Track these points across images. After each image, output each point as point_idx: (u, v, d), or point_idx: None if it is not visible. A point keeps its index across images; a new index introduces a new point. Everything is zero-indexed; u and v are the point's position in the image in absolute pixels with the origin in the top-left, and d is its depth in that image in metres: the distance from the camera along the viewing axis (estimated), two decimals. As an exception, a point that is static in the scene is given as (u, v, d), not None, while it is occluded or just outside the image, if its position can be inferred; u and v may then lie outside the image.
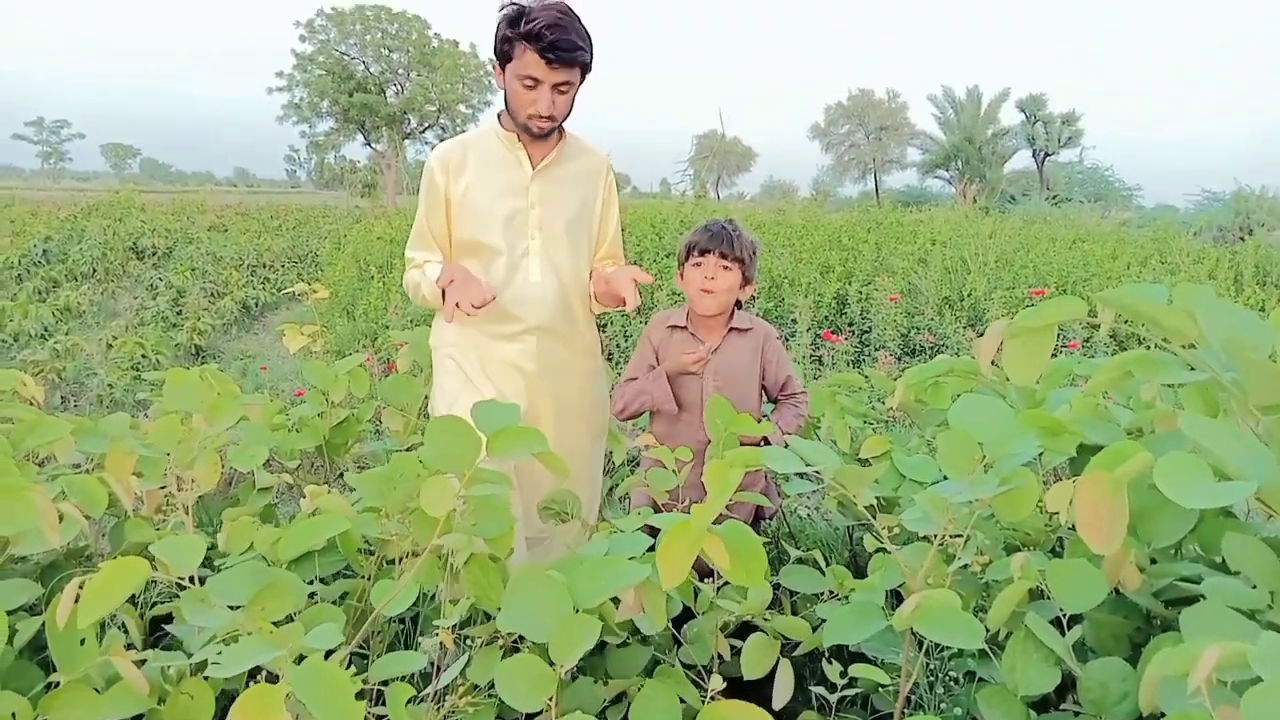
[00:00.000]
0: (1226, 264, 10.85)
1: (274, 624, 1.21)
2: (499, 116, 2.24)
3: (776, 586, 1.69)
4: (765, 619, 1.48)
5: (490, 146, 2.23)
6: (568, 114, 2.17)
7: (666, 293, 8.19)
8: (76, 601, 1.11)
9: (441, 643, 1.36)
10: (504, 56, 2.09)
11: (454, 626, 1.36)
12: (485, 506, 1.43)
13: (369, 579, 1.79)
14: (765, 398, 2.38)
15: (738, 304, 2.32)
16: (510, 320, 2.22)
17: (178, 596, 1.52)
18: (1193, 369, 1.14)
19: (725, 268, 2.22)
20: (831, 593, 1.68)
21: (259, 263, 14.48)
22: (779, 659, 1.40)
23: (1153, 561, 1.32)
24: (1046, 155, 40.49)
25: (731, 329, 2.29)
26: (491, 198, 2.20)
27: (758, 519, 2.40)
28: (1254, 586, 1.11)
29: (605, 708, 1.45)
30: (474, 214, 2.20)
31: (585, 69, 2.11)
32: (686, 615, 1.57)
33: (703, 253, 2.23)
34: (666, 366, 2.23)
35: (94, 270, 13.43)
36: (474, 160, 2.21)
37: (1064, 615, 1.17)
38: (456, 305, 1.97)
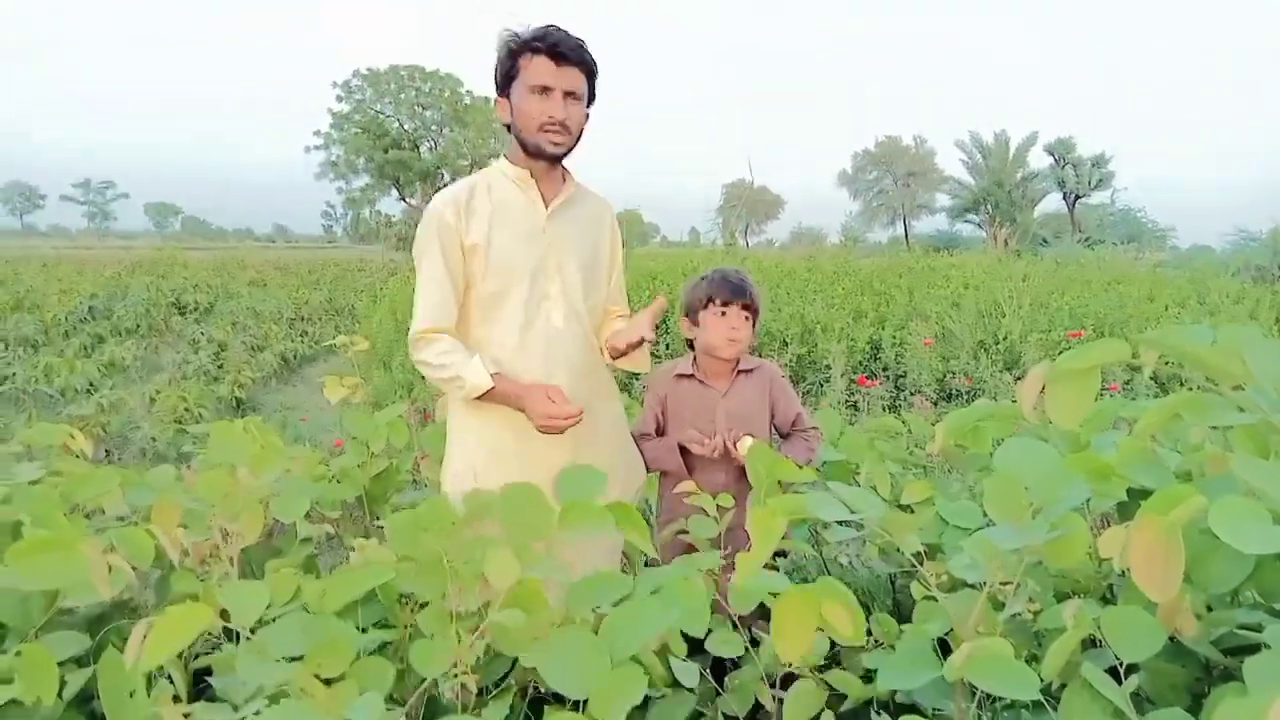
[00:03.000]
0: (1267, 304, 10.68)
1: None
2: (503, 156, 2.17)
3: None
4: (812, 670, 1.46)
5: (500, 188, 2.12)
6: (579, 135, 2.11)
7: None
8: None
9: (464, 685, 1.35)
10: (509, 79, 2.05)
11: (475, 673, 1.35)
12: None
13: (407, 629, 1.78)
14: (777, 435, 2.39)
15: None
16: (536, 372, 2.11)
17: (219, 649, 1.52)
18: (1243, 410, 1.12)
19: (746, 318, 2.28)
20: (877, 642, 1.65)
21: (298, 316, 14.75)
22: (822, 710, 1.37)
23: (1209, 609, 1.28)
24: (1077, 198, 40.23)
25: (739, 372, 2.33)
26: (514, 244, 2.09)
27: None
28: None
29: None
30: (501, 265, 2.08)
31: (591, 76, 2.08)
32: (721, 662, 1.55)
33: (725, 303, 2.28)
34: (679, 437, 2.25)
35: (138, 326, 13.74)
36: (484, 204, 2.09)
37: (1120, 665, 1.14)
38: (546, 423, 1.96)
